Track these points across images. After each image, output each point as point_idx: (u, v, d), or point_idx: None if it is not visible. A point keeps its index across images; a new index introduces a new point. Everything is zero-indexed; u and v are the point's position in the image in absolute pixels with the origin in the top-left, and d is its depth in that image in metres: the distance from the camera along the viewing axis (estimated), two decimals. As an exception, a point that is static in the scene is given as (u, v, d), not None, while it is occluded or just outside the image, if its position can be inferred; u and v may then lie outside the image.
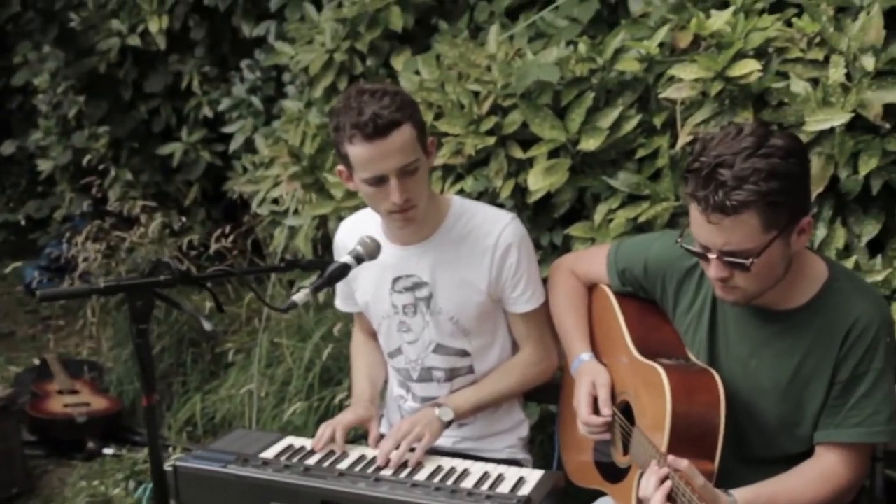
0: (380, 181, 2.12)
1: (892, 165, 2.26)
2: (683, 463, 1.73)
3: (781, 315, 1.90)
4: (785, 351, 1.89)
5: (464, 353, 2.34)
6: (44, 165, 5.75)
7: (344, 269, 2.05)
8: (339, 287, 2.49)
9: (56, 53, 5.17)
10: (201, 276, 1.91)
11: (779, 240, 1.75)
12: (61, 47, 5.13)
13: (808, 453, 1.91)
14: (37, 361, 4.88)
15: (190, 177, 5.21)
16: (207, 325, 1.95)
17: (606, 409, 2.05)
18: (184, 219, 4.95)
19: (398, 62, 3.52)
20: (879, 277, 2.22)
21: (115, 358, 4.70)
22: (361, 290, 2.40)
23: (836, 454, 1.87)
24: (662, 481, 1.75)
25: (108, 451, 3.99)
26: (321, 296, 3.57)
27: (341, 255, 2.27)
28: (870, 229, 2.31)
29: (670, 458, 1.75)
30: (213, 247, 4.29)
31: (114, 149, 5.40)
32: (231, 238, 4.34)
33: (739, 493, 1.81)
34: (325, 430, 2.27)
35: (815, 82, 2.33)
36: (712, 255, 1.78)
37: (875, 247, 2.33)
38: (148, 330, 1.87)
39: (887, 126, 2.24)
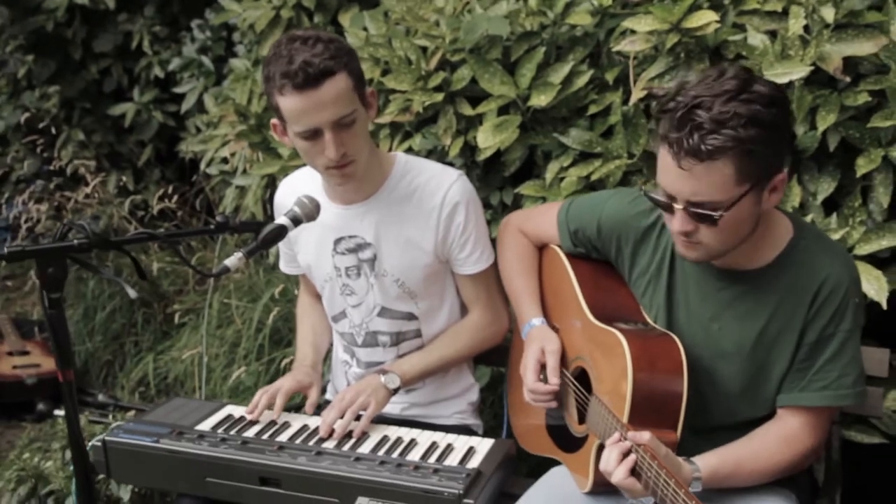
0: (314, 135, 1.85)
1: (850, 121, 2.04)
2: (646, 436, 1.52)
3: (745, 275, 1.67)
4: (749, 313, 1.67)
5: (410, 317, 2.10)
6: (-6, 126, 5.34)
7: (280, 232, 1.78)
8: (282, 249, 2.23)
9: (1, 11, 4.74)
10: (120, 239, 1.62)
11: (751, 194, 1.53)
12: (6, 4, 4.70)
13: (767, 418, 1.71)
14: (-13, 323, 4.53)
15: (143, 137, 4.85)
16: (132, 293, 1.69)
17: (554, 378, 1.82)
18: (125, 177, 4.58)
19: (346, 18, 3.22)
20: (836, 236, 2.00)
21: (68, 318, 4.37)
22: (303, 252, 2.14)
23: (800, 418, 1.66)
24: (625, 455, 1.53)
25: (58, 412, 3.69)
26: (271, 256, 3.29)
27: (280, 214, 2.00)
28: (825, 187, 2.09)
29: (631, 433, 1.54)
30: (157, 206, 3.95)
31: (65, 109, 5.01)
32: (177, 198, 4.02)
33: (702, 459, 1.60)
34: (261, 396, 2.02)
35: (772, 35, 2.09)
36: (678, 206, 1.55)
37: (830, 205, 2.11)
38: (61, 299, 1.59)
39: (847, 80, 2.01)
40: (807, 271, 1.63)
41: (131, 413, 3.08)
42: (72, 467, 2.54)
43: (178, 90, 4.39)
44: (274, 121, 1.94)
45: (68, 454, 2.57)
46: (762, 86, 1.51)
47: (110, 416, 2.72)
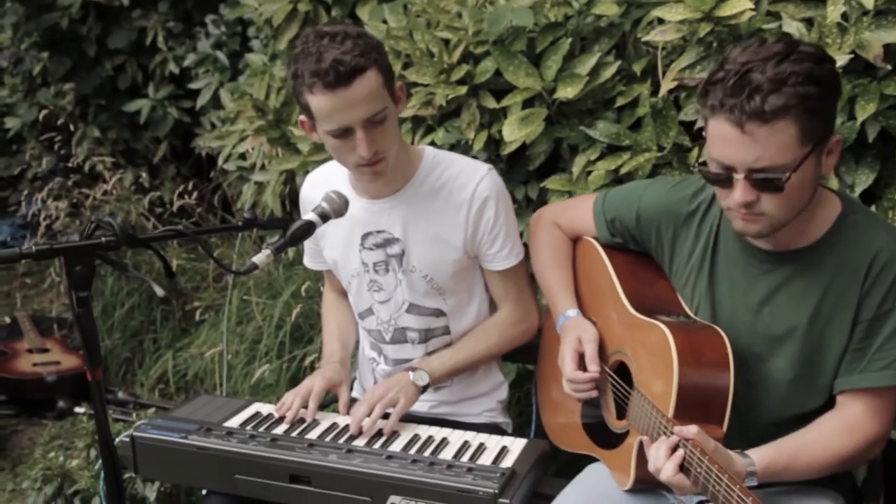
0: (345, 133, 1.81)
1: (890, 111, 1.98)
2: (693, 429, 1.46)
3: (794, 255, 1.61)
4: (800, 293, 1.60)
5: (439, 313, 2.05)
6: (11, 123, 5.34)
7: (308, 228, 1.74)
8: (307, 244, 2.19)
9: (15, 8, 4.72)
10: (148, 237, 1.59)
11: (812, 155, 1.48)
12: (20, 1, 4.68)
13: (823, 409, 1.63)
14: (8, 320, 4.52)
15: (158, 134, 4.83)
16: (159, 291, 1.64)
17: (594, 366, 1.77)
18: (143, 174, 4.56)
19: (364, 12, 3.17)
20: (874, 229, 1.95)
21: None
22: (329, 247, 2.10)
23: (862, 402, 1.58)
24: (673, 450, 1.48)
25: (79, 409, 3.67)
26: (290, 252, 3.26)
27: (307, 210, 1.96)
28: (863, 179, 2.03)
29: (678, 427, 1.49)
30: (177, 204, 3.93)
31: (81, 106, 4.99)
32: (195, 195, 3.99)
33: (757, 453, 1.54)
34: (293, 398, 1.97)
35: (809, 22, 2.03)
36: (739, 176, 1.49)
37: (868, 198, 2.06)
38: (89, 297, 1.55)
39: (888, 67, 1.95)
40: (858, 246, 1.57)
41: (151, 410, 3.06)
42: (97, 465, 2.53)
43: (193, 86, 4.37)
44: (302, 118, 1.90)
45: (93, 452, 2.55)
46: (808, 46, 1.48)
47: (133, 415, 2.68)
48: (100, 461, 2.54)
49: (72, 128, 4.85)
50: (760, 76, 1.43)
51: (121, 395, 3.70)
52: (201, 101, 4.27)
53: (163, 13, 4.66)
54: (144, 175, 4.55)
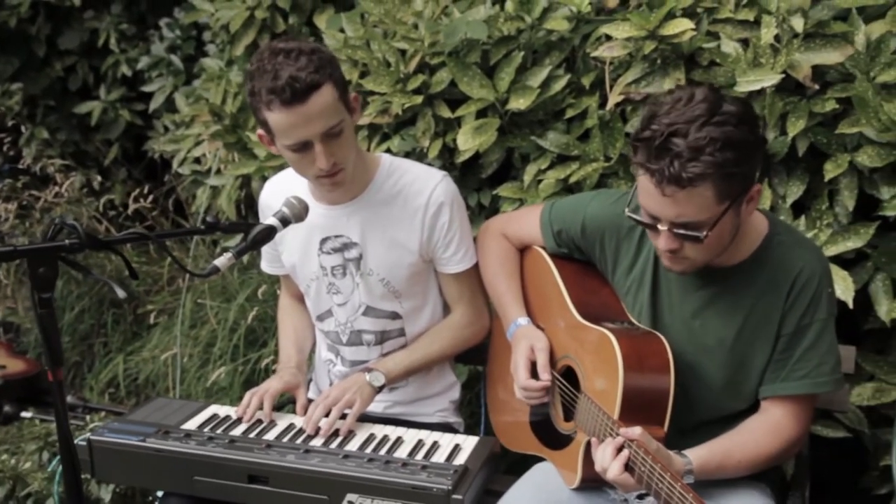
0: (303, 147, 1.86)
1: (818, 127, 2.12)
2: (637, 430, 1.56)
3: (724, 272, 1.73)
4: (729, 308, 1.73)
5: (395, 316, 2.12)
6: (-44, 122, 5.22)
7: (269, 232, 1.79)
8: (265, 249, 2.23)
9: (-38, 7, 4.65)
10: (112, 239, 1.62)
11: (731, 210, 1.58)
12: (-33, 0, 4.62)
13: (749, 411, 1.77)
14: (-49, 323, 4.44)
15: (109, 136, 4.78)
16: (121, 293, 1.67)
17: (545, 374, 1.85)
18: (99, 178, 4.53)
19: (321, 20, 3.23)
20: (805, 238, 2.08)
21: (33, 319, 4.29)
22: (288, 252, 2.15)
23: (784, 407, 1.73)
24: (619, 450, 1.58)
25: (26, 414, 3.63)
26: (246, 256, 3.28)
27: (266, 215, 2.00)
28: (794, 190, 2.17)
29: (623, 428, 1.58)
30: (132, 207, 3.92)
31: (29, 106, 4.92)
32: (151, 198, 3.98)
33: (693, 452, 1.65)
34: (250, 398, 2.02)
35: (745, 43, 2.16)
36: (663, 227, 1.60)
37: (799, 208, 2.19)
38: (52, 299, 1.58)
39: (816, 87, 2.09)
40: (782, 264, 1.69)
41: (102, 415, 3.05)
42: (50, 468, 2.53)
43: (146, 89, 4.35)
44: (260, 132, 1.94)
45: (45, 455, 2.54)
46: (731, 104, 1.55)
47: (87, 419, 2.69)
48: (52, 463, 2.56)
49: (23, 129, 4.78)
50: (682, 142, 1.51)
51: (70, 399, 3.68)
52: (154, 104, 4.27)
53: (115, 15, 4.63)
54: (98, 178, 4.50)
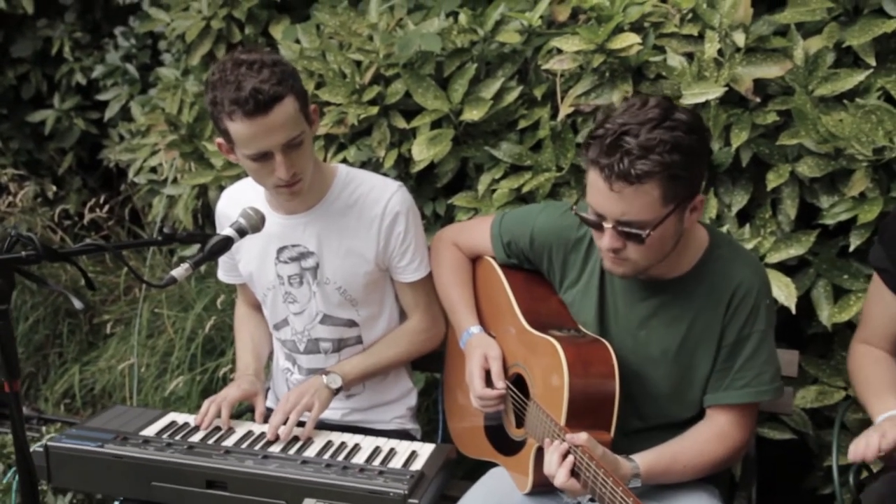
0: (264, 157, 1.89)
1: (760, 138, 2.20)
2: (582, 437, 1.61)
3: (666, 284, 1.79)
4: (672, 320, 1.79)
5: (351, 324, 2.15)
6: None
7: (226, 243, 1.80)
8: (222, 258, 2.25)
9: (-88, 14, 4.56)
10: (69, 250, 1.62)
11: (674, 214, 1.64)
12: (-82, 7, 4.53)
13: (695, 418, 1.83)
14: None
15: (64, 145, 4.72)
16: (78, 304, 1.67)
17: (500, 383, 1.90)
18: (54, 187, 4.47)
19: (277, 31, 3.25)
20: (749, 246, 2.16)
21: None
22: (245, 261, 2.17)
23: (727, 415, 1.79)
24: (564, 456, 1.63)
25: (-19, 428, 3.58)
26: (203, 266, 3.28)
27: (223, 225, 2.03)
28: (739, 199, 2.25)
29: (568, 435, 1.63)
30: (88, 216, 3.88)
31: (-20, 115, 4.84)
32: (107, 208, 3.95)
33: (640, 457, 1.71)
34: (209, 406, 2.04)
35: (690, 57, 2.24)
36: (608, 225, 1.65)
37: (743, 216, 2.27)
38: (9, 311, 1.59)
39: (757, 100, 2.17)
40: (721, 278, 1.76)
41: (58, 426, 3.03)
42: (5, 480, 2.50)
43: (101, 97, 4.32)
44: (219, 140, 1.97)
45: (0, 467, 2.52)
46: (682, 114, 1.62)
47: (44, 430, 2.66)
48: (7, 475, 2.53)
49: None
50: (633, 140, 1.57)
51: (25, 410, 3.63)
52: (109, 112, 4.23)
53: (69, 23, 4.58)
54: (53, 188, 4.45)
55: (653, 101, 1.63)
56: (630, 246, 1.67)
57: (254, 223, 1.87)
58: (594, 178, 1.63)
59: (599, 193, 1.63)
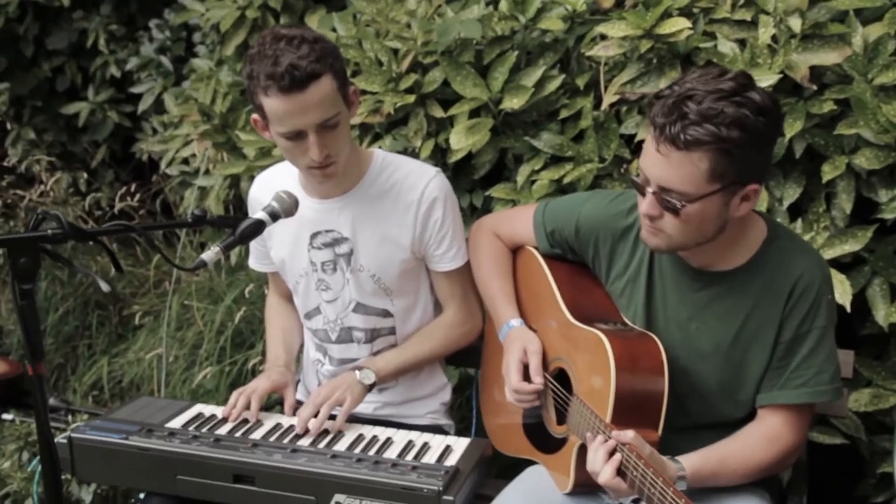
0: (297, 136, 1.82)
1: (815, 129, 2.09)
2: (629, 434, 1.52)
3: (721, 276, 1.69)
4: (726, 313, 1.68)
5: (385, 314, 2.07)
6: (-58, 121, 5.15)
7: (258, 227, 1.74)
8: (253, 245, 2.19)
9: (-51, 5, 4.59)
10: (95, 231, 1.57)
11: (719, 195, 1.54)
12: (-45, -1, 4.56)
13: (746, 418, 1.72)
14: (-69, 324, 4.35)
15: (97, 137, 4.72)
16: (104, 286, 1.62)
17: (538, 378, 1.81)
18: (85, 174, 4.46)
19: (313, 20, 3.19)
20: (802, 240, 2.05)
21: (16, 320, 4.22)
22: (277, 247, 2.10)
23: (781, 416, 1.68)
24: (611, 454, 1.53)
25: (7, 416, 3.55)
26: (233, 257, 3.23)
27: (255, 210, 1.95)
28: (791, 193, 2.14)
29: (615, 431, 1.54)
30: (118, 206, 3.86)
31: (16, 107, 4.85)
32: (137, 198, 3.92)
33: (686, 459, 1.61)
34: (237, 398, 1.97)
35: (742, 43, 2.14)
36: (650, 189, 1.56)
37: (795, 210, 2.16)
38: (34, 290, 1.53)
39: (813, 88, 2.06)
40: (781, 271, 1.65)
41: (85, 417, 2.99)
42: (30, 468, 2.46)
43: (134, 90, 4.30)
44: (255, 116, 1.90)
45: (25, 455, 2.48)
46: (757, 94, 1.51)
47: (70, 419, 2.62)
48: (32, 463, 2.49)
49: (8, 127, 4.71)
50: (694, 106, 1.48)
51: (52, 401, 3.59)
52: (143, 105, 4.22)
53: (105, 16, 4.58)
54: (84, 175, 4.44)
55: (731, 73, 1.53)
56: (667, 217, 1.57)
57: (287, 207, 1.80)
58: (648, 138, 1.56)
59: (647, 154, 1.56)
